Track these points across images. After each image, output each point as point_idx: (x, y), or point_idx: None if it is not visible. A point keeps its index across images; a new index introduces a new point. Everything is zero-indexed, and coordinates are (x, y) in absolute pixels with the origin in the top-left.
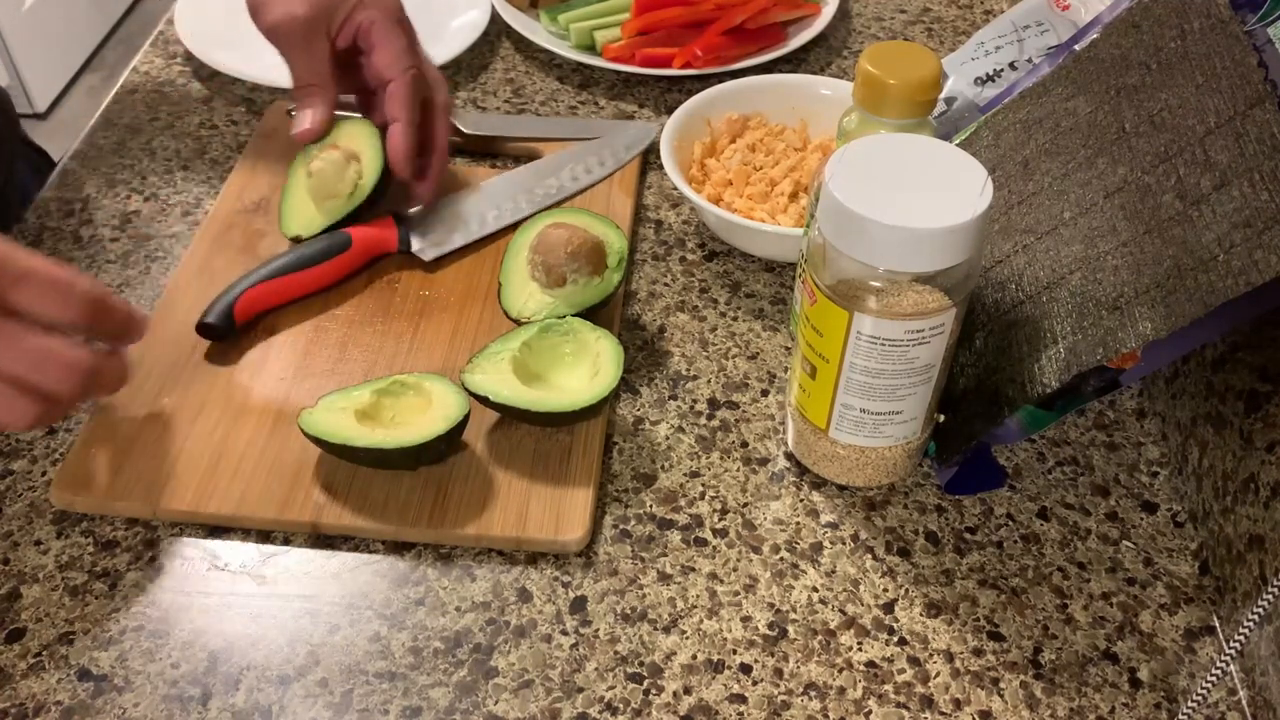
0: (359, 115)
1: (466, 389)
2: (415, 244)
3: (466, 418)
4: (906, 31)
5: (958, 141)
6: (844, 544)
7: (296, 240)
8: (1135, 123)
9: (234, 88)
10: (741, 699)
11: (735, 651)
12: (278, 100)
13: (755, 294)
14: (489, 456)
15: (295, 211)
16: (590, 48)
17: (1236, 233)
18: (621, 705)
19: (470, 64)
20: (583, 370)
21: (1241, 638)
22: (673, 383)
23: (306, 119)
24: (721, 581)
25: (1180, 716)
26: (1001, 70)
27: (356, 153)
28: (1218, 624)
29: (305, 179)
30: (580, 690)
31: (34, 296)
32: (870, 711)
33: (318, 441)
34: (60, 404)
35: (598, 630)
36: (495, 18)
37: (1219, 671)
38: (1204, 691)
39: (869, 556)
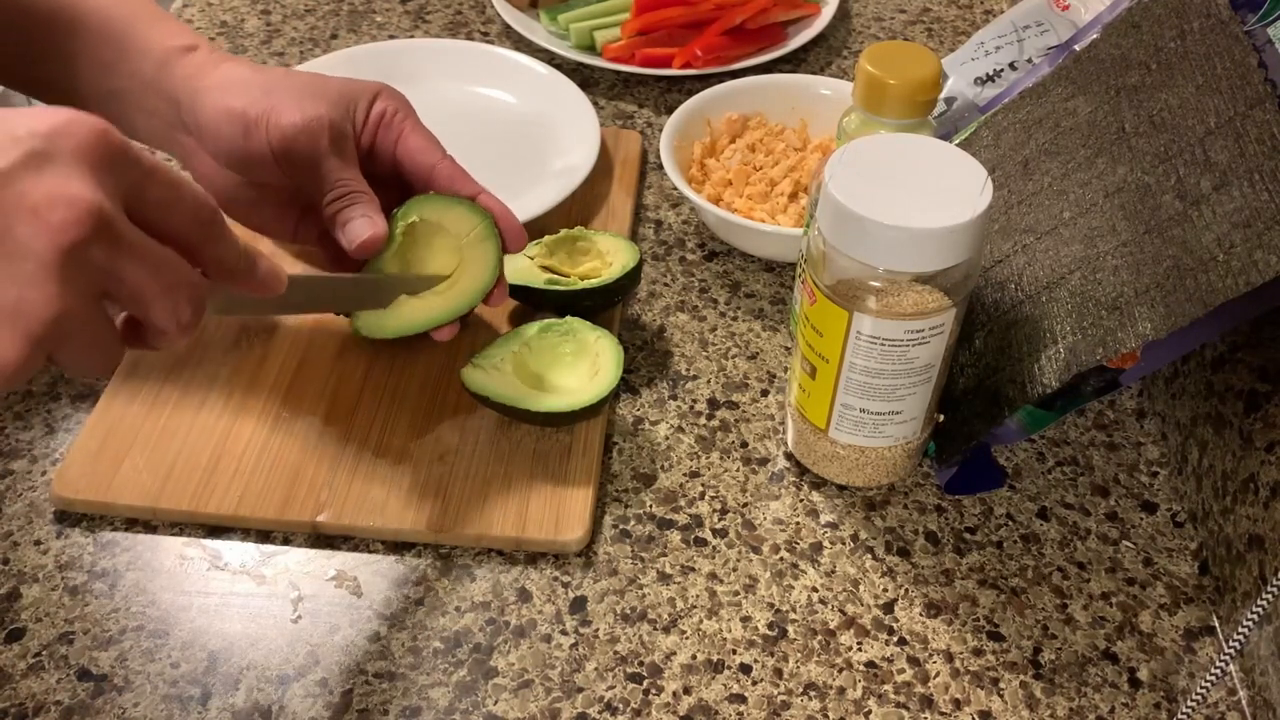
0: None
1: (466, 388)
2: None
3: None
4: (906, 31)
5: (958, 141)
6: (844, 544)
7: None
8: (1135, 123)
9: None
10: (741, 699)
11: (735, 651)
12: None
13: (755, 294)
14: (489, 456)
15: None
16: (590, 48)
17: (1236, 233)
18: (621, 705)
19: None
20: (583, 370)
21: (1241, 638)
22: (672, 383)
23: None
24: (721, 581)
25: (1180, 716)
26: (1001, 70)
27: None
28: (1217, 624)
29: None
30: (580, 690)
31: (161, 197)
32: (870, 711)
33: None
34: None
35: (597, 630)
36: (494, 19)
37: (1218, 671)
38: (1203, 691)
39: (869, 556)
